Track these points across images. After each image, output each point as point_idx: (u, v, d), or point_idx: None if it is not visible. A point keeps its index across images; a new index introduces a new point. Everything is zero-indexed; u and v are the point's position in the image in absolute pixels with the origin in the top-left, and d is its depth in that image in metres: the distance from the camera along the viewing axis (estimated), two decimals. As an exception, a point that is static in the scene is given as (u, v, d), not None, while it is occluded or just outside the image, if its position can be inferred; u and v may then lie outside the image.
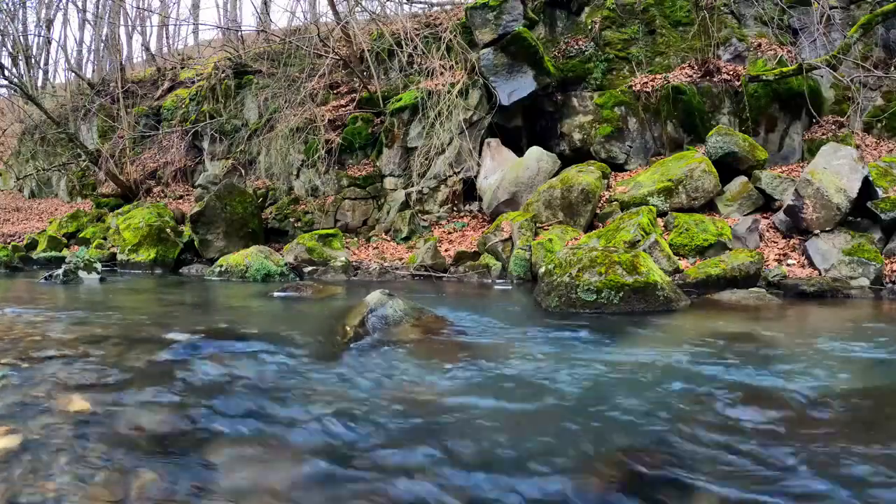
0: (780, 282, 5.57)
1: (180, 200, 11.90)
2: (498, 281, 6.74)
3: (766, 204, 7.03)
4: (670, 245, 6.29)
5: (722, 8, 8.94)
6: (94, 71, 17.85)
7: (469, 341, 3.43)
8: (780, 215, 6.54)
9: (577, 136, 8.86)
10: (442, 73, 9.20)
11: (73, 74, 16.98)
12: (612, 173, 8.35)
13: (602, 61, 9.17)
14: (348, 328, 3.36)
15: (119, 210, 10.90)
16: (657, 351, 3.12)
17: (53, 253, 10.03)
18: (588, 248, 5.01)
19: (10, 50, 15.52)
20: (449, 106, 8.82)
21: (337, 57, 10.66)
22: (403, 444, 1.93)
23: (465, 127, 8.78)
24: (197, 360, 2.84)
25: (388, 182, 9.58)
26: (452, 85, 8.92)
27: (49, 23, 18.67)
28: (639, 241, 6.04)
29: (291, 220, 9.84)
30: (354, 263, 7.87)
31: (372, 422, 2.11)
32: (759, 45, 8.76)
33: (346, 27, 11.06)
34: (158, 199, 11.98)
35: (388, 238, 9.02)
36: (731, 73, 8.47)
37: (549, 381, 2.59)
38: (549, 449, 1.90)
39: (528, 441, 1.95)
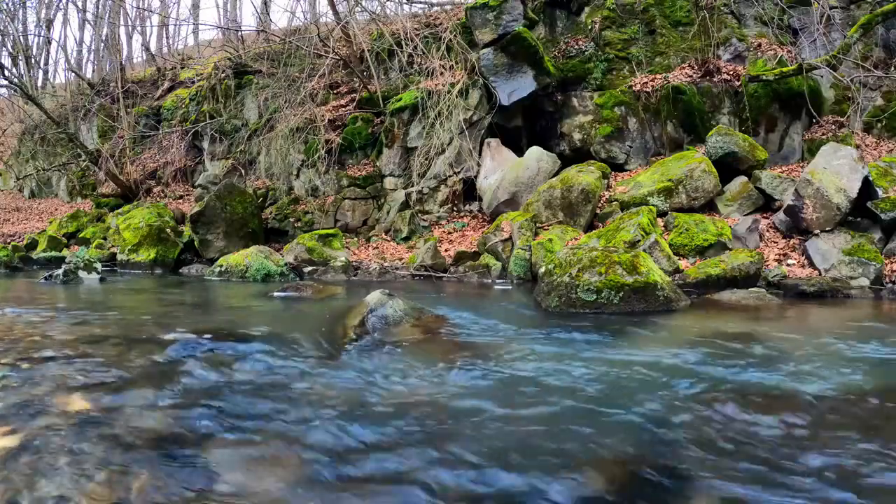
0: (780, 282, 5.57)
1: (180, 200, 11.90)
2: (498, 281, 6.73)
3: (766, 204, 7.03)
4: (670, 245, 6.29)
5: (722, 8, 8.94)
6: (94, 71, 17.85)
7: (469, 341, 3.42)
8: (780, 215, 6.54)
9: (577, 136, 8.86)
10: (442, 73, 9.20)
11: (73, 74, 16.98)
12: (612, 173, 8.34)
13: (602, 61, 9.16)
14: (348, 328, 3.36)
15: (119, 210, 10.90)
16: (658, 351, 3.12)
17: (53, 253, 10.03)
18: (588, 248, 5.01)
19: (10, 50, 15.53)
20: (449, 106, 8.81)
21: (337, 57, 10.66)
22: (403, 445, 1.93)
23: (465, 127, 8.78)
24: (196, 361, 2.84)
25: (388, 182, 9.58)
26: (452, 85, 8.92)
27: (49, 23, 18.68)
28: (639, 241, 6.04)
29: (291, 220, 9.83)
30: (354, 263, 7.86)
31: (372, 422, 2.11)
32: (759, 45, 8.76)
33: (346, 27, 11.05)
34: (158, 199, 11.98)
35: (388, 238, 9.02)
36: (731, 73, 8.47)
37: (549, 381, 2.58)
38: (551, 449, 1.90)
39: (528, 441, 1.95)
